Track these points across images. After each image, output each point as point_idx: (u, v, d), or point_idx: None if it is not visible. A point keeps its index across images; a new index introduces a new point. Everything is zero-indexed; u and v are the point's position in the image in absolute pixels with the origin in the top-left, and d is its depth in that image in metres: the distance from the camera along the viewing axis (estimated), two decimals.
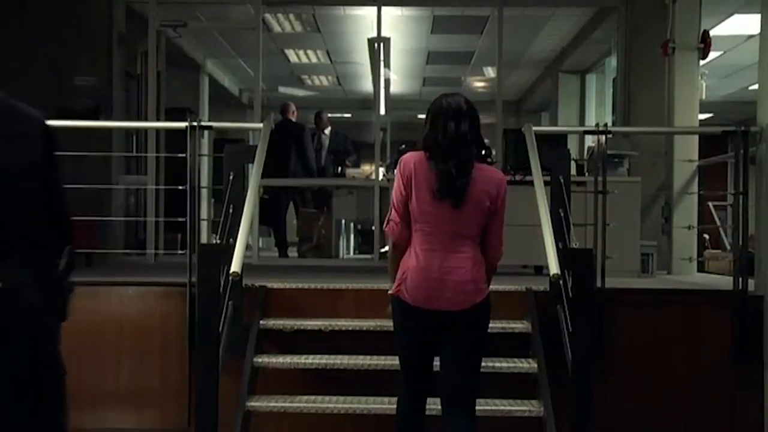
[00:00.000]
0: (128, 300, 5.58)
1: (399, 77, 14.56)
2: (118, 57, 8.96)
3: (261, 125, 5.46)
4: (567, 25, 10.99)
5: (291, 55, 13.32)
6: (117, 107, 8.91)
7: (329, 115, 18.06)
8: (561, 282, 4.91)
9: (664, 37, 8.04)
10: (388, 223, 3.77)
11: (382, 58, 10.31)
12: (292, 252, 9.97)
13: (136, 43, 9.43)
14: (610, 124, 11.62)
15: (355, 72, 14.25)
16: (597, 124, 5.62)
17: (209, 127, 5.53)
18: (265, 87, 15.92)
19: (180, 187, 5.46)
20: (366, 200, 9.31)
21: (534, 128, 5.55)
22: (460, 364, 3.72)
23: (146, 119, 8.89)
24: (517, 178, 7.34)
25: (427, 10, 10.37)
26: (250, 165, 5.34)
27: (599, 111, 12.63)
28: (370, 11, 9.83)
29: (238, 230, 4.84)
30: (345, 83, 15.62)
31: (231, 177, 5.31)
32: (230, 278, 4.65)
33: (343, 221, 9.88)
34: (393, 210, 3.74)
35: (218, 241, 5.06)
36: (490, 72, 14.40)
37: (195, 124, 5.39)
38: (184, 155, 5.42)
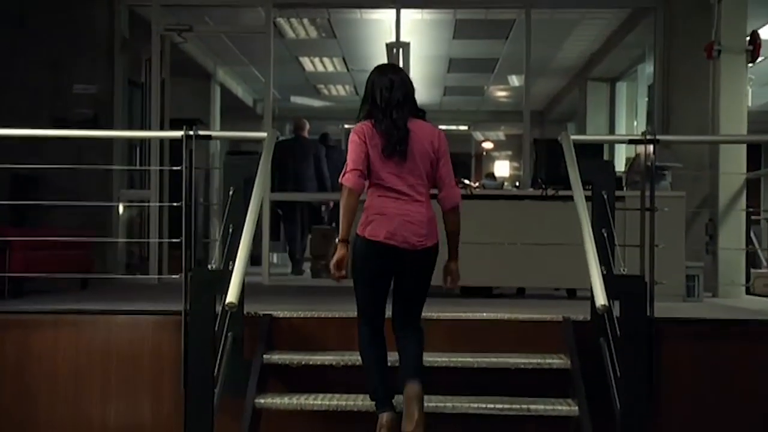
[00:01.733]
0: (117, 330, 4.97)
1: (419, 86, 13.92)
2: (120, 64, 8.41)
3: (265, 134, 4.85)
4: (597, 29, 10.36)
5: (306, 62, 12.76)
6: (118, 117, 8.36)
7: (346, 125, 17.76)
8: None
9: (707, 39, 7.40)
10: (345, 173, 4.15)
11: (401, 64, 9.71)
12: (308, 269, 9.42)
13: (140, 49, 8.89)
14: None
15: None
16: (644, 133, 4.96)
17: (207, 137, 4.94)
18: (279, 96, 15.48)
19: (176, 204, 4.88)
20: None
21: (573, 137, 4.91)
22: (415, 295, 4.34)
23: (149, 130, 8.35)
24: (549, 192, 6.71)
25: (449, 13, 9.76)
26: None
27: (630, 121, 11.99)
28: (389, 15, 9.24)
29: (236, 253, 4.24)
30: (362, 92, 15.02)
31: (231, 192, 4.72)
32: (226, 310, 4.05)
33: None
34: (350, 162, 4.16)
35: (213, 266, 4.45)
36: (515, 80, 13.78)
37: (191, 133, 4.80)
38: (179, 167, 4.84)
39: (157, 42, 8.34)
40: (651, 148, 4.93)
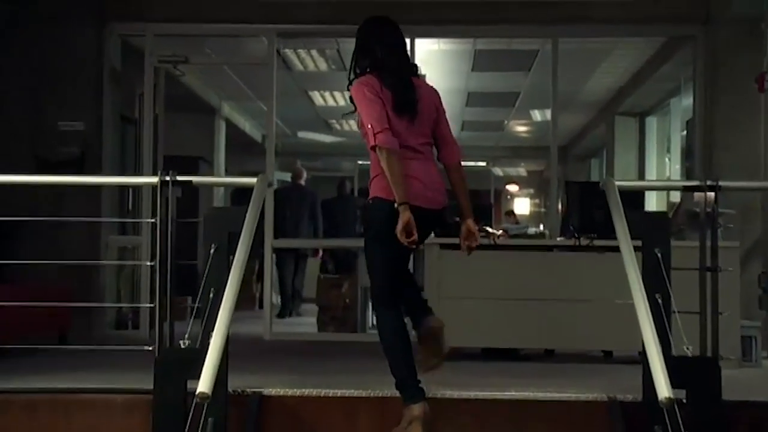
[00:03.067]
0: (79, 412, 4.21)
1: None
2: (110, 98, 7.73)
3: (254, 180, 4.11)
4: (628, 61, 9.61)
5: (316, 96, 12.06)
6: (107, 156, 7.65)
7: (359, 162, 17.03)
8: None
9: (754, 70, 6.67)
10: (377, 135, 3.83)
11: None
12: (310, 318, 8.71)
13: (135, 83, 8.22)
14: (678, 173, 10.29)
15: None
16: (706, 180, 4.16)
17: (186, 183, 4.18)
18: (289, 132, 14.81)
19: (148, 263, 4.14)
20: None
21: (618, 183, 4.12)
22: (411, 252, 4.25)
23: (141, 169, 7.66)
24: (582, 242, 5.93)
25: (468, 42, 9.03)
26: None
27: (661, 158, 11.22)
28: None
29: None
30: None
31: (212, 250, 3.97)
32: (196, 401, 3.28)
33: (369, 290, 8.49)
34: (377, 122, 3.85)
35: (186, 342, 3.69)
36: (537, 115, 13.04)
37: (168, 178, 4.07)
38: (153, 220, 4.10)
39: (150, 74, 7.67)
40: (712, 195, 4.15)
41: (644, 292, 3.68)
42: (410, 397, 3.89)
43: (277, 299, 12.91)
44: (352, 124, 14.14)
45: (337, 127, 14.37)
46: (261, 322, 7.77)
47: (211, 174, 11.44)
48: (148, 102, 7.68)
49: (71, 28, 7.54)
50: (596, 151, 14.99)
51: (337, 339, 7.63)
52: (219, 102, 11.82)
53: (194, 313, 3.84)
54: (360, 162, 17.11)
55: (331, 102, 12.32)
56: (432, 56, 9.51)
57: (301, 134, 14.76)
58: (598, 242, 5.87)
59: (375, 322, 4.20)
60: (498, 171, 18.31)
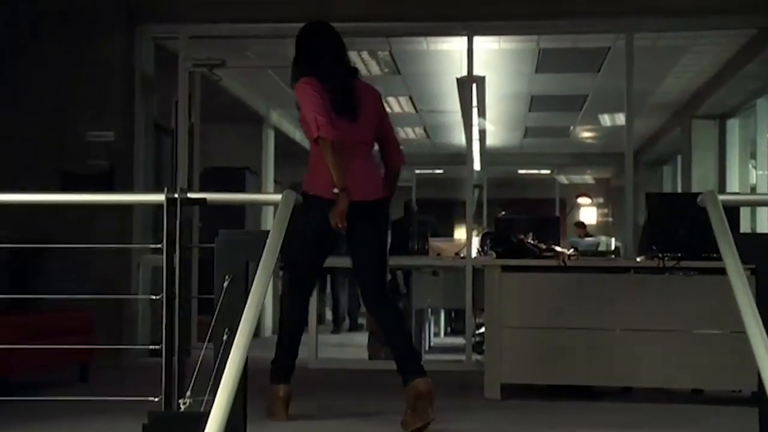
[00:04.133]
0: None
1: (496, 127, 12.48)
2: (142, 106, 7.17)
3: (278, 197, 3.43)
4: (709, 58, 8.74)
5: None
6: (139, 168, 7.09)
7: (417, 171, 16.34)
8: None
9: None
10: (320, 126, 3.98)
11: (475, 101, 8.28)
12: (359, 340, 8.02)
13: (170, 89, 7.64)
14: (767, 180, 9.37)
15: (444, 121, 12.25)
16: None
17: (200, 201, 3.54)
18: None
19: (153, 297, 3.50)
20: (455, 282, 7.17)
21: (723, 197, 3.33)
22: (379, 257, 4.24)
23: (175, 183, 7.07)
24: (668, 263, 5.12)
25: (532, 41, 8.27)
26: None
27: (744, 163, 10.29)
28: (460, 45, 7.82)
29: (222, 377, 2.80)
30: (434, 135, 13.61)
31: (226, 284, 3.30)
32: None
33: (425, 310, 7.78)
34: (319, 114, 4.00)
35: (187, 401, 3.02)
36: (606, 120, 12.19)
37: (177, 196, 3.42)
38: (158, 245, 3.46)
39: (184, 79, 7.08)
40: None
41: (762, 326, 2.89)
42: (281, 380, 4.29)
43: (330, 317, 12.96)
44: (409, 132, 13.45)
45: None
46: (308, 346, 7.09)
47: (259, 186, 10.86)
48: (183, 110, 7.08)
49: (98, 31, 7.00)
50: (669, 158, 14.05)
51: (388, 367, 6.91)
52: (267, 110, 11.23)
53: (199, 360, 3.17)
54: (418, 171, 16.45)
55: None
56: (492, 57, 8.78)
57: None
58: (685, 263, 5.08)
59: (286, 305, 4.45)
60: (563, 179, 17.44)
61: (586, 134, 13.75)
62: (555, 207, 16.75)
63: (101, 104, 6.98)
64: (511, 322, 5.23)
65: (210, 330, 3.24)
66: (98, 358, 5.90)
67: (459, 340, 8.67)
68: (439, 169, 16.31)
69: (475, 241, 8.55)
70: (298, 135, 13.21)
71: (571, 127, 13.05)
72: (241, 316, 3.00)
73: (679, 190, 12.22)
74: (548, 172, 16.85)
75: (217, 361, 3.14)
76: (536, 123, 12.68)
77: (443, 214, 16.08)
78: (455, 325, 11.11)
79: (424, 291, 7.20)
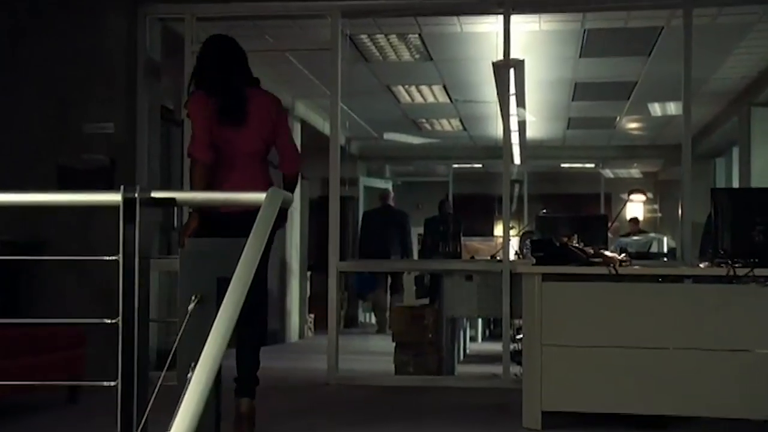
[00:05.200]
0: None
1: (537, 118, 11.70)
2: (146, 94, 6.54)
3: (262, 197, 2.75)
4: None
5: (400, 93, 10.68)
6: (143, 161, 6.47)
7: (454, 166, 15.61)
8: None
9: None
10: (192, 146, 4.17)
11: (513, 88, 7.54)
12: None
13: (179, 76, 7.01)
14: None
15: (482, 113, 11.49)
16: None
17: (168, 201, 2.88)
18: (375, 134, 13.49)
19: (108, 321, 2.83)
20: (491, 288, 6.45)
21: None
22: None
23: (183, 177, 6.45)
24: (739, 272, 4.36)
25: (576, 20, 7.49)
26: None
27: None
28: (496, 26, 7.09)
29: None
30: (471, 127, 12.85)
31: (192, 305, 2.64)
32: None
33: (460, 319, 7.06)
34: (198, 136, 4.16)
35: None
36: (656, 109, 11.35)
37: (135, 196, 2.76)
38: (115, 258, 2.80)
39: (191, 65, 6.41)
40: None
41: None
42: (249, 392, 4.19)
43: (370, 318, 13.20)
44: (444, 124, 12.75)
45: (427, 126, 12.95)
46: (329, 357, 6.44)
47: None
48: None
49: (98, 12, 6.38)
50: (723, 150, 13.15)
51: (416, 384, 6.23)
52: (291, 100, 10.57)
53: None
54: (455, 165, 15.71)
55: (418, 98, 10.91)
56: (532, 39, 8.04)
57: (388, 136, 13.42)
58: (759, 271, 4.32)
59: None
60: (608, 173, 16.57)
61: (634, 125, 12.91)
62: (600, 203, 15.90)
63: (102, 92, 6.37)
64: (552, 339, 4.50)
65: (168, 363, 2.59)
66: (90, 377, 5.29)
67: (498, 347, 7.94)
68: (478, 163, 15.57)
69: (514, 242, 7.84)
70: (327, 128, 12.55)
71: (618, 118, 12.21)
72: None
73: (735, 185, 11.37)
74: (592, 165, 16.01)
75: (181, 400, 2.49)
76: (580, 113, 11.87)
77: (481, 211, 15.34)
78: (495, 329, 10.40)
79: (456, 298, 6.48)
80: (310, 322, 11.28)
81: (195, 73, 4.34)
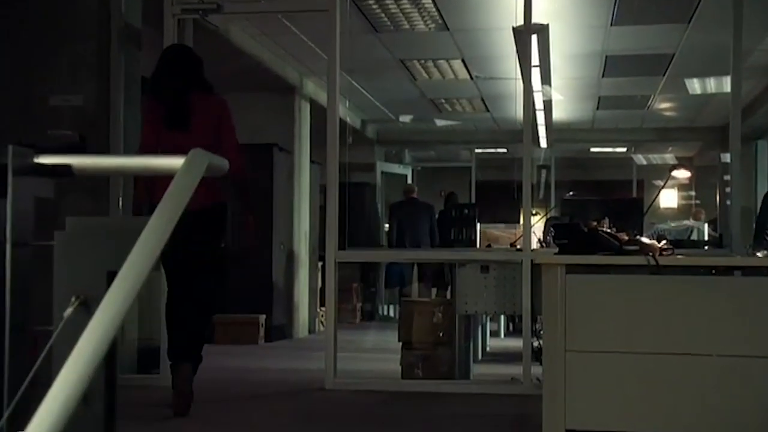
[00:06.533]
0: None
1: (564, 96, 10.87)
2: (121, 63, 5.83)
3: (178, 162, 2.01)
4: None
5: (416, 69, 9.90)
6: (117, 137, 5.78)
7: (477, 150, 14.83)
8: None
9: None
10: (140, 151, 4.61)
11: (536, 58, 6.76)
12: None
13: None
14: None
15: (504, 91, 10.66)
16: None
17: (62, 169, 2.18)
18: (392, 116, 12.73)
19: None
20: (510, 280, 5.69)
21: None
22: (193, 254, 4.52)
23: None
24: None
25: None
26: None
27: None
28: None
29: None
30: (494, 108, 12.02)
31: (71, 308, 1.91)
32: None
33: (474, 316, 6.28)
34: (143, 141, 4.62)
35: None
36: (695, 86, 10.48)
37: (7, 163, 2.06)
38: None
39: (170, 29, 5.71)
40: None
41: None
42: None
43: (388, 312, 12.86)
44: (465, 105, 11.96)
45: (447, 107, 12.15)
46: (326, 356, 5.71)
47: (291, 165, 9.52)
48: None
49: None
50: (766, 131, 12.26)
51: (425, 389, 5.49)
52: (299, 78, 9.85)
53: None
54: (478, 150, 14.92)
55: (436, 75, 10.12)
56: (558, 6, 7.24)
57: (404, 118, 12.66)
58: None
59: None
60: (640, 158, 15.68)
61: (669, 104, 12.04)
62: (632, 190, 15.04)
63: (70, 62, 5.67)
64: (578, 344, 3.73)
65: (30, 375, 1.86)
66: None
67: (521, 344, 7.20)
68: (502, 147, 14.76)
69: (537, 229, 7.08)
70: (341, 108, 11.81)
71: (652, 96, 11.35)
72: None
73: None
74: (624, 150, 15.14)
75: None
76: (611, 91, 11.02)
77: (505, 197, 14.53)
78: (519, 323, 9.63)
79: (470, 292, 5.71)
80: (322, 316, 10.57)
81: (150, 80, 4.72)
